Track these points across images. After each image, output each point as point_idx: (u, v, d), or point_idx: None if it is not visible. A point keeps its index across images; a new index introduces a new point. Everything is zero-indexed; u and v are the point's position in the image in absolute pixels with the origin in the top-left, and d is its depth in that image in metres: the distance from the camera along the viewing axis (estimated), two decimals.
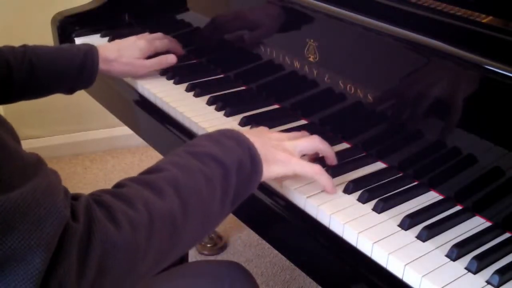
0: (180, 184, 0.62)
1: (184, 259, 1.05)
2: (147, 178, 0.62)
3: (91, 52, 1.07)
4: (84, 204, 0.55)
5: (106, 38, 1.37)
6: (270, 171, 0.74)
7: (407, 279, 0.69)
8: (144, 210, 0.57)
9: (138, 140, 1.64)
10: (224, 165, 0.66)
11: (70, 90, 1.07)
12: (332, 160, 0.85)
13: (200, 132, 0.99)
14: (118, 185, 0.62)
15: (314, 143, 0.82)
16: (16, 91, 1.00)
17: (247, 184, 0.70)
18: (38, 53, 1.02)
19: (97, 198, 0.57)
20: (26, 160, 0.52)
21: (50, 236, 0.50)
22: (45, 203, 0.51)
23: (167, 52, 1.17)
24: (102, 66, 1.07)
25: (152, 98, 1.12)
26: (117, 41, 1.16)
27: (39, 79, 1.01)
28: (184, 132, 1.02)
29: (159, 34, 1.19)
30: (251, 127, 0.96)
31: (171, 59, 1.15)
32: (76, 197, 0.56)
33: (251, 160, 0.70)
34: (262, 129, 0.85)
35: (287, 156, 0.76)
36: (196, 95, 1.10)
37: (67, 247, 0.51)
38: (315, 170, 0.78)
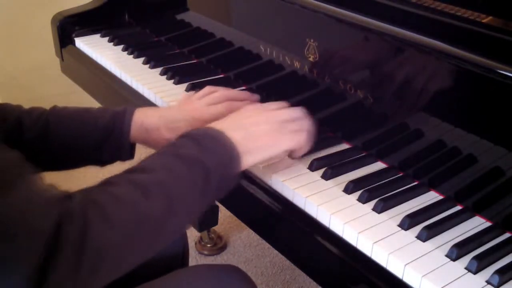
0: (167, 187, 0.64)
1: (185, 263, 1.05)
2: (138, 178, 0.64)
3: (122, 114, 0.86)
4: (80, 206, 0.57)
5: (106, 38, 1.37)
6: (255, 160, 0.75)
7: (407, 279, 0.69)
8: (133, 212, 0.61)
9: None
10: (206, 168, 0.68)
11: (100, 162, 0.89)
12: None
13: None
14: (111, 183, 0.64)
15: (295, 113, 0.80)
16: (28, 156, 0.83)
17: (225, 183, 0.72)
18: (61, 114, 0.86)
19: (91, 197, 0.60)
20: (8, 163, 0.54)
21: (35, 250, 0.53)
22: (32, 215, 0.54)
23: None
24: (136, 133, 0.86)
25: (152, 98, 1.12)
26: (161, 108, 0.95)
27: (53, 142, 0.84)
28: None
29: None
30: None
31: None
32: (71, 196, 0.58)
33: (230, 160, 0.71)
34: (242, 113, 0.79)
35: (271, 138, 0.76)
36: None
37: (60, 251, 0.54)
38: (303, 140, 0.79)
